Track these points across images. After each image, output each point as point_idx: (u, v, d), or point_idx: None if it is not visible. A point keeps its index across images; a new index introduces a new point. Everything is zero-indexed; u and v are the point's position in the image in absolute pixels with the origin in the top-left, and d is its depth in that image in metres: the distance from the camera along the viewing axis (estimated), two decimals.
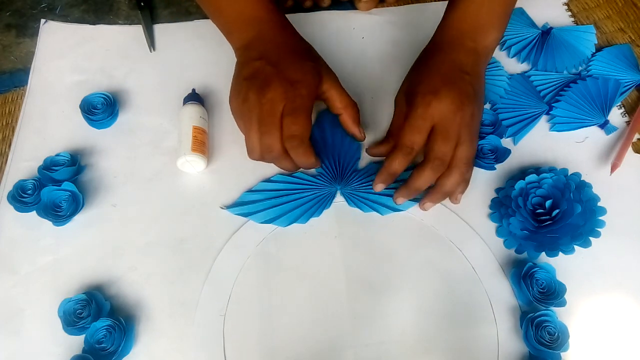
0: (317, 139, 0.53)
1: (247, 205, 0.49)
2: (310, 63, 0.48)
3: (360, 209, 0.50)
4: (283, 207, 0.49)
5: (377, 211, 0.49)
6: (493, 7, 0.49)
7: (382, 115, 0.55)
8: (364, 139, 0.52)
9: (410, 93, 0.47)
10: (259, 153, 0.46)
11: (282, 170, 0.51)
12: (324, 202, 0.50)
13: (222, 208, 0.50)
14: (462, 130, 0.45)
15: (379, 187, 0.48)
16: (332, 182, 0.51)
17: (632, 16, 0.63)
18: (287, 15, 0.63)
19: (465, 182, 0.48)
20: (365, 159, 0.53)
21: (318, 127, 0.54)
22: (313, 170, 0.52)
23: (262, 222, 0.49)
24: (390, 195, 0.49)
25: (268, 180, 0.51)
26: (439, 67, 0.48)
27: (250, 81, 0.46)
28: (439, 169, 0.46)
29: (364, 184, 0.51)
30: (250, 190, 0.51)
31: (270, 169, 0.51)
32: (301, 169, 0.50)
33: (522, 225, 0.48)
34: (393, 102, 0.52)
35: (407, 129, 0.46)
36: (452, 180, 0.46)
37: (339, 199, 0.50)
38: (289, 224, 0.49)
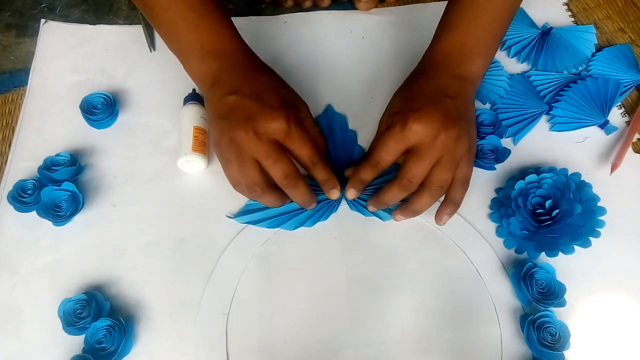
0: None
1: (253, 213, 0.49)
2: (289, 90, 0.47)
3: (362, 214, 0.50)
4: (289, 215, 0.49)
5: (379, 217, 0.49)
6: (480, 34, 0.48)
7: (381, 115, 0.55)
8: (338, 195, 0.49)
9: (391, 114, 0.46)
10: (271, 191, 0.45)
11: None
12: (330, 207, 0.50)
13: (228, 217, 0.49)
14: (443, 153, 0.44)
15: (351, 192, 0.47)
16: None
17: (632, 16, 0.63)
18: (287, 16, 0.63)
19: (452, 204, 0.46)
20: None
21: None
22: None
23: (267, 227, 0.49)
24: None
25: None
26: (422, 90, 0.47)
27: (229, 119, 0.43)
28: (406, 188, 0.45)
29: (368, 188, 0.50)
30: None
31: None
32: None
33: (522, 225, 0.48)
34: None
35: (379, 145, 0.46)
36: (421, 200, 0.46)
37: (342, 203, 0.50)
38: (296, 228, 0.49)
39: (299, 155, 0.45)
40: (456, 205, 0.47)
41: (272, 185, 0.45)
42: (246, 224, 0.49)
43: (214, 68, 0.45)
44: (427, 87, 0.47)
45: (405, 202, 0.47)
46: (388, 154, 0.45)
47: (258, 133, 0.42)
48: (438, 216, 0.47)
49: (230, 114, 0.43)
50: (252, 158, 0.43)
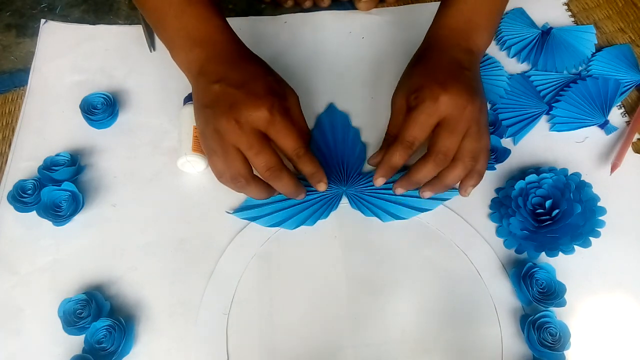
0: (319, 141, 0.53)
1: (253, 209, 0.49)
2: (277, 79, 0.45)
3: (362, 212, 0.50)
4: (289, 211, 0.49)
5: (379, 217, 0.49)
6: (486, 7, 0.49)
7: (382, 115, 0.55)
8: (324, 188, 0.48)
9: (414, 89, 0.46)
10: (256, 183, 0.44)
11: None
12: (331, 204, 0.50)
13: (227, 212, 0.49)
14: (470, 124, 0.44)
15: (380, 180, 0.47)
16: (338, 183, 0.51)
17: (632, 16, 0.63)
18: (287, 16, 0.63)
19: (477, 174, 0.47)
20: None
21: (319, 130, 0.54)
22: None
23: (268, 226, 0.49)
24: (393, 202, 0.49)
25: None
26: (440, 64, 0.47)
27: (214, 108, 0.42)
28: (442, 163, 0.45)
29: (369, 187, 0.50)
30: None
31: None
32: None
33: (522, 225, 0.48)
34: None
35: (410, 123, 0.45)
36: (454, 174, 0.46)
37: (343, 201, 0.50)
38: (297, 227, 0.49)
39: (282, 146, 0.44)
40: (480, 175, 0.47)
41: (256, 177, 0.44)
42: (246, 224, 0.49)
43: (201, 57, 0.44)
44: (442, 60, 0.47)
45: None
46: (421, 131, 0.45)
47: (240, 122, 0.41)
48: (463, 187, 0.47)
49: (214, 103, 0.42)
50: (235, 148, 0.42)
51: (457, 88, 0.44)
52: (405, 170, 0.48)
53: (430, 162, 0.45)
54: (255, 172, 0.44)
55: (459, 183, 0.48)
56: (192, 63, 0.45)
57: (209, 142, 0.43)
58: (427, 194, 0.48)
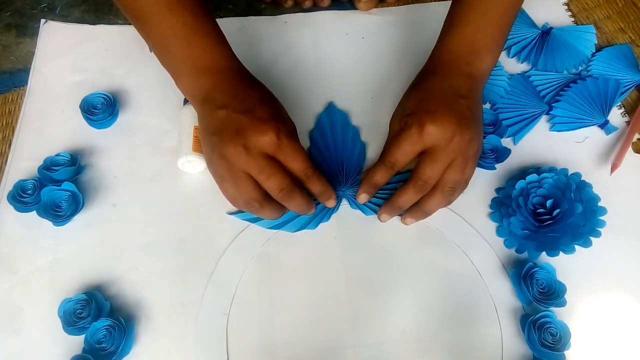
0: (318, 140, 0.53)
1: None
2: (280, 106, 0.46)
3: (362, 212, 0.50)
4: (290, 213, 0.49)
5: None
6: (489, 31, 0.48)
7: (382, 115, 0.55)
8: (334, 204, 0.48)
9: (406, 114, 0.46)
10: (269, 205, 0.45)
11: None
12: (332, 207, 0.50)
13: (228, 214, 0.49)
14: (456, 155, 0.44)
15: (363, 197, 0.47)
16: (338, 186, 0.51)
17: (632, 16, 0.63)
18: (287, 16, 0.63)
19: (424, 212, 0.48)
20: (369, 160, 0.53)
21: (319, 131, 0.54)
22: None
23: (269, 228, 0.49)
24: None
25: None
26: (435, 90, 0.47)
27: (220, 135, 0.42)
28: (421, 190, 0.45)
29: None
30: None
31: None
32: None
33: (522, 225, 0.48)
34: (393, 101, 0.51)
35: (394, 147, 0.45)
36: (433, 202, 0.46)
37: (344, 202, 0.50)
38: (298, 230, 0.49)
39: (292, 168, 0.44)
40: (427, 214, 0.48)
41: (269, 198, 0.45)
42: (247, 224, 0.49)
43: (206, 85, 0.44)
44: (439, 86, 0.47)
45: (413, 206, 0.47)
46: (404, 156, 0.45)
47: (248, 147, 0.41)
48: (404, 217, 0.48)
49: (220, 129, 0.42)
50: (245, 173, 0.42)
51: (446, 119, 0.44)
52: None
53: (410, 189, 0.45)
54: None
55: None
56: (197, 90, 0.45)
57: (217, 168, 0.44)
58: (409, 220, 0.48)
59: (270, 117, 0.42)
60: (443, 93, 0.46)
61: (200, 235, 0.49)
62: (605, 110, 0.55)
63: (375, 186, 0.47)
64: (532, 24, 0.62)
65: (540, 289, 0.44)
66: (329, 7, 0.64)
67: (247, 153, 0.41)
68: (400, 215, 0.49)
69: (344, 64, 0.59)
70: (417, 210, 0.47)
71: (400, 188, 0.47)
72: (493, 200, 0.51)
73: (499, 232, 0.49)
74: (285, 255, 0.48)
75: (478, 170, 0.51)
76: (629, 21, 0.63)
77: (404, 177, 0.49)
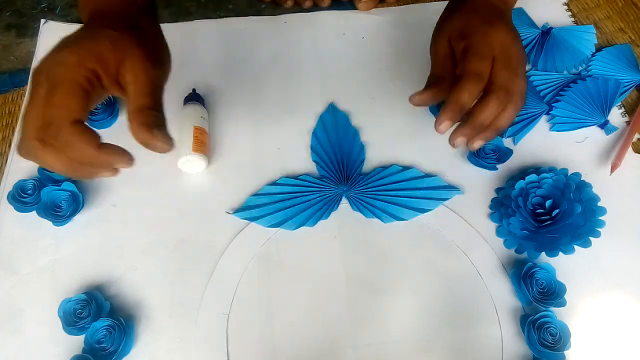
0: (319, 140, 0.53)
1: (253, 209, 0.49)
2: (112, 32, 0.38)
3: (363, 214, 0.50)
4: (290, 211, 0.49)
5: (379, 218, 0.49)
6: None
7: (382, 115, 0.55)
8: (169, 148, 0.39)
9: (459, 29, 0.44)
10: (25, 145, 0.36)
11: (288, 173, 0.51)
12: (331, 205, 0.50)
13: (228, 213, 0.49)
14: (519, 63, 0.43)
15: (445, 125, 0.41)
16: (338, 184, 0.51)
17: (632, 16, 0.63)
18: (287, 16, 0.63)
19: (517, 112, 0.43)
20: (370, 160, 0.53)
21: (320, 128, 0.54)
22: (317, 173, 0.52)
23: (269, 226, 0.49)
24: (393, 203, 0.49)
25: (273, 183, 0.51)
26: (480, 8, 0.46)
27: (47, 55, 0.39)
28: (505, 99, 0.41)
29: (369, 189, 0.50)
30: (255, 194, 0.50)
31: (272, 171, 0.52)
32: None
33: (522, 225, 0.48)
34: (393, 101, 0.51)
35: (472, 57, 0.42)
36: (508, 115, 0.42)
37: (343, 202, 0.50)
38: (297, 228, 0.49)
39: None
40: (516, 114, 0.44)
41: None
42: (247, 224, 0.49)
43: (94, 8, 0.42)
44: (481, 5, 0.46)
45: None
46: (487, 63, 0.42)
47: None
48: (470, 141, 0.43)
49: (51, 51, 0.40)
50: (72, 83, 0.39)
51: (504, 26, 0.44)
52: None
53: (494, 99, 0.41)
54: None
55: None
56: (86, 14, 0.43)
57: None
58: (479, 143, 0.43)
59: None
60: (489, 9, 0.46)
61: (200, 235, 0.49)
62: (605, 110, 0.55)
63: (462, 108, 0.41)
64: (532, 24, 0.62)
65: (540, 289, 0.44)
66: (329, 7, 0.64)
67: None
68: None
69: (344, 64, 0.59)
70: (490, 128, 0.42)
71: (480, 103, 0.42)
72: (493, 200, 0.51)
73: (499, 232, 0.49)
74: (285, 255, 0.48)
75: (478, 170, 0.51)
76: (629, 21, 0.63)
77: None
